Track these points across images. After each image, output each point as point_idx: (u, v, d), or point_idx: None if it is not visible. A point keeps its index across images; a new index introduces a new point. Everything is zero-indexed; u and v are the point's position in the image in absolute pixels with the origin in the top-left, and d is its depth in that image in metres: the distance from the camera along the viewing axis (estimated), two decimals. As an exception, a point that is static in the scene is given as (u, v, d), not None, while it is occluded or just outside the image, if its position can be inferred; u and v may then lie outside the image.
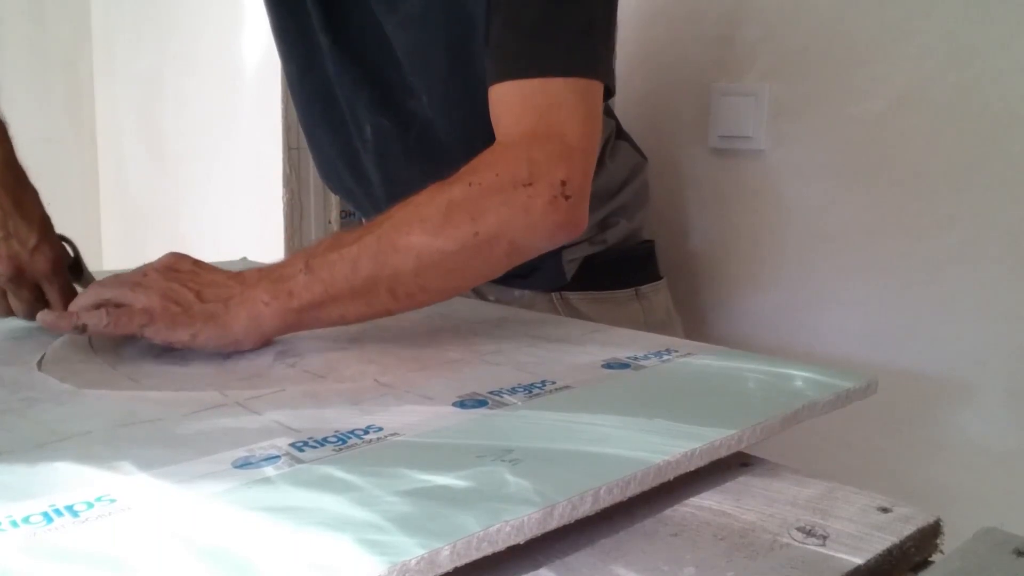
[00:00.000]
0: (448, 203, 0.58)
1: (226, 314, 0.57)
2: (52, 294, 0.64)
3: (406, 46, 0.75)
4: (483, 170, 0.60)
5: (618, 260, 0.89)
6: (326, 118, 0.86)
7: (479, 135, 0.66)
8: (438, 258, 0.58)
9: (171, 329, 0.56)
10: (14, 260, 0.61)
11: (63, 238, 0.67)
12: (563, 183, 0.60)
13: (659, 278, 0.94)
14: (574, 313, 0.87)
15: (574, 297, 0.87)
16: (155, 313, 0.56)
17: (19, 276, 0.62)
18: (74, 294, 0.64)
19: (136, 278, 0.59)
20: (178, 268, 0.60)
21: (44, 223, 0.64)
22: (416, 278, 0.58)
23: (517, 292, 0.88)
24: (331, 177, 0.94)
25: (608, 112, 0.90)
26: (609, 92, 0.69)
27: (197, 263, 0.61)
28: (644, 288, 0.91)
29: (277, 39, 0.86)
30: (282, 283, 0.58)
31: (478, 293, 0.90)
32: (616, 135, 0.91)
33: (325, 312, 0.58)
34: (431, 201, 0.59)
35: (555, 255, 0.86)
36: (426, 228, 0.58)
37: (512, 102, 0.64)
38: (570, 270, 0.86)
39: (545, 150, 0.61)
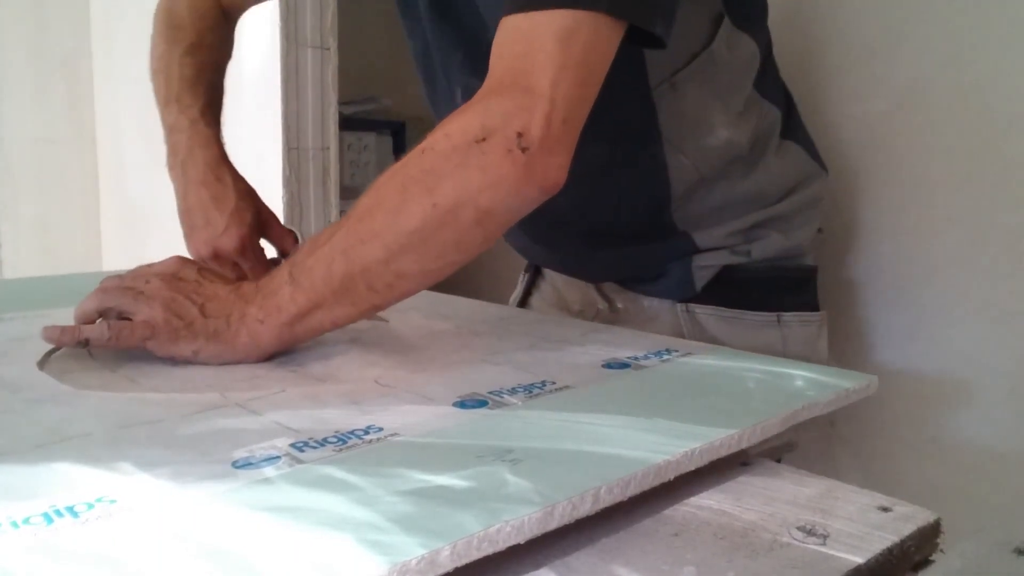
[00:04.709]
0: (404, 179, 0.55)
1: (227, 331, 0.57)
2: (245, 268, 0.75)
3: (482, 6, 0.71)
4: (437, 134, 0.55)
5: (763, 278, 0.78)
6: (438, 92, 0.81)
7: None
8: (404, 240, 0.54)
9: (173, 344, 0.56)
10: (210, 244, 0.74)
11: (289, 230, 0.81)
12: (519, 135, 0.53)
13: (815, 309, 0.80)
14: (699, 331, 0.77)
15: (702, 312, 0.77)
16: (157, 327, 0.56)
17: (216, 256, 0.74)
18: (265, 270, 0.73)
19: (139, 285, 0.58)
20: (182, 276, 0.60)
21: (238, 213, 0.74)
22: (389, 266, 0.55)
23: (646, 302, 0.81)
24: None
25: (779, 100, 0.79)
26: (648, 36, 0.58)
27: (201, 271, 0.61)
28: (788, 316, 0.77)
29: (400, 16, 0.83)
30: (271, 298, 0.57)
31: (607, 299, 0.84)
32: (783, 134, 0.79)
33: (315, 320, 0.57)
34: (390, 180, 0.56)
35: (684, 260, 0.77)
36: (386, 211, 0.54)
37: (494, 48, 0.57)
38: (700, 278, 0.77)
39: (504, 102, 0.55)
